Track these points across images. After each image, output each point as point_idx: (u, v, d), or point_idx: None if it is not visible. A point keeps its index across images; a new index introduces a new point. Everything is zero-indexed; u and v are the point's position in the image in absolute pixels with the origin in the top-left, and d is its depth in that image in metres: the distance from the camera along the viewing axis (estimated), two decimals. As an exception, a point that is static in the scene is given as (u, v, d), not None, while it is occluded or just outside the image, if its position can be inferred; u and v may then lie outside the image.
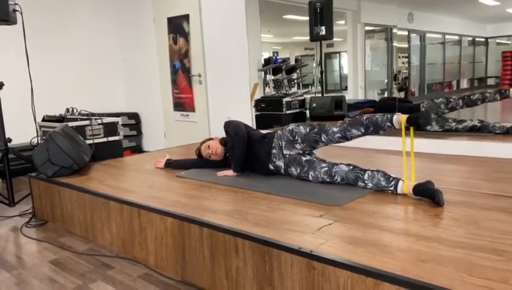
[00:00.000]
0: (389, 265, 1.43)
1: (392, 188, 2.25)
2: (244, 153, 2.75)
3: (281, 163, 2.65)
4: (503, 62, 5.95)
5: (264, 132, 2.91)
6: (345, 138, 2.42)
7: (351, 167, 2.39)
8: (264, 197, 2.34)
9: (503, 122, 3.51)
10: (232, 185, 2.61)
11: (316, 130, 2.49)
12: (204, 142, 3.09)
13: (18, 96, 3.92)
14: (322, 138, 2.48)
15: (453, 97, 3.76)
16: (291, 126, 2.62)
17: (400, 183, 2.22)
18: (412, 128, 2.19)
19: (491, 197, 2.12)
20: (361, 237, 1.70)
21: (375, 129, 2.32)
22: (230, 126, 2.85)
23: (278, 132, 2.68)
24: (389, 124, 2.27)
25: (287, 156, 2.61)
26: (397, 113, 2.26)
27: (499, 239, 1.60)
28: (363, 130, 2.35)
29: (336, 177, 2.41)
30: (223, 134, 2.98)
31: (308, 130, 2.52)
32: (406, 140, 2.18)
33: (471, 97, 3.65)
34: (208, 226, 1.97)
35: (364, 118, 2.34)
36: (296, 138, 2.56)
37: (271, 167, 2.70)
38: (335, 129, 2.43)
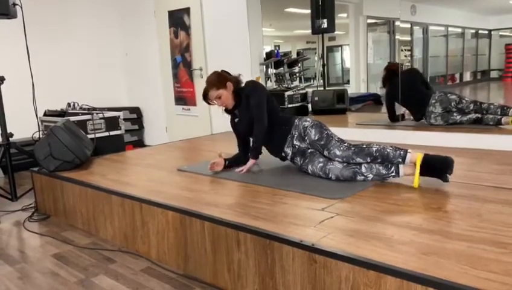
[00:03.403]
0: (391, 258, 1.42)
1: (393, 174, 2.26)
2: (262, 143, 2.70)
3: (289, 150, 2.63)
4: (507, 54, 5.90)
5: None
6: (346, 163, 2.37)
7: (345, 164, 2.36)
8: (266, 191, 2.33)
9: (497, 115, 3.51)
10: (234, 179, 2.60)
11: (322, 142, 2.46)
12: (213, 86, 2.67)
13: (19, 90, 3.92)
14: (324, 153, 2.46)
15: (466, 99, 3.73)
16: (307, 123, 2.57)
17: (401, 166, 2.24)
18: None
19: (494, 190, 2.11)
20: (363, 230, 1.69)
21: (382, 162, 2.28)
22: (254, 99, 2.64)
23: (296, 122, 2.63)
24: (400, 160, 2.24)
25: (296, 146, 2.60)
26: (410, 151, 2.23)
27: (503, 232, 1.58)
28: (369, 160, 2.30)
29: (330, 175, 2.39)
30: (224, 130, 2.95)
31: (316, 137, 2.49)
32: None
33: (482, 105, 3.61)
34: (210, 219, 1.96)
35: (375, 149, 2.28)
36: (306, 138, 2.55)
37: (283, 153, 2.68)
38: (338, 153, 2.37)
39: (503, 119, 3.39)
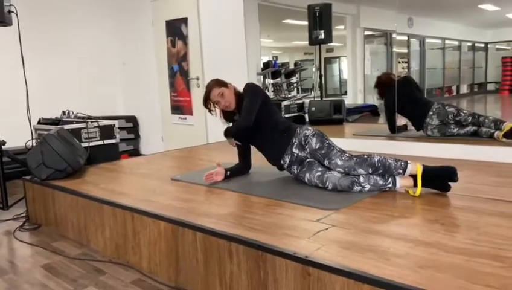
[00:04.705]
0: (386, 271, 1.38)
1: (390, 185, 2.25)
2: (238, 131, 2.66)
3: (287, 159, 2.60)
4: (503, 67, 5.92)
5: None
6: (346, 174, 2.33)
7: (343, 174, 2.33)
8: (260, 201, 2.29)
9: (491, 129, 3.49)
10: (228, 189, 2.57)
11: (322, 151, 2.42)
12: (216, 85, 2.68)
13: (13, 98, 3.89)
14: (325, 162, 2.42)
15: (464, 111, 3.70)
16: (308, 132, 2.54)
17: (398, 177, 2.25)
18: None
19: (492, 202, 2.08)
20: (359, 242, 1.65)
21: (383, 173, 2.27)
22: (247, 98, 2.62)
23: (297, 130, 2.59)
24: (400, 171, 2.23)
25: (295, 154, 2.56)
26: (410, 162, 2.24)
27: (501, 245, 1.55)
28: (370, 171, 2.28)
29: (327, 184, 2.35)
30: (220, 139, 2.91)
31: (317, 146, 2.45)
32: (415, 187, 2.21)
33: (480, 119, 3.59)
34: (202, 230, 1.92)
35: (376, 159, 2.27)
36: (306, 147, 2.52)
37: (281, 161, 2.63)
38: (339, 162, 2.34)
39: (496, 134, 3.39)
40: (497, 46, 6.12)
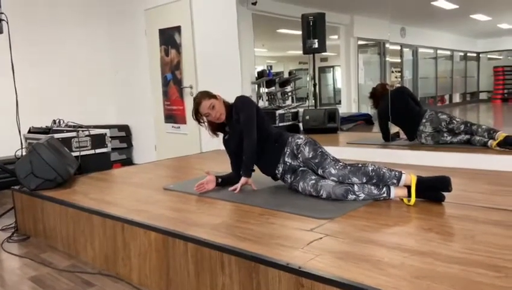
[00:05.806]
0: (381, 282, 1.35)
1: (384, 195, 2.23)
2: (254, 160, 2.61)
3: (280, 168, 2.57)
4: (495, 77, 5.98)
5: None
6: (341, 182, 2.31)
7: (337, 182, 2.30)
8: (253, 211, 2.26)
9: (484, 138, 3.49)
10: (221, 198, 2.53)
11: (316, 160, 2.40)
12: (205, 96, 2.63)
13: (3, 107, 3.83)
14: (318, 171, 2.40)
15: (457, 119, 3.69)
16: (300, 141, 2.51)
17: (392, 187, 2.23)
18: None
19: (487, 210, 2.06)
20: (353, 252, 1.62)
21: (377, 182, 2.25)
22: (244, 113, 2.58)
23: (289, 139, 2.57)
24: (394, 181, 2.22)
25: (288, 163, 2.54)
26: (404, 172, 2.22)
27: (497, 254, 1.53)
28: (364, 181, 2.26)
29: (321, 192, 2.32)
30: (213, 148, 2.88)
31: (310, 155, 2.43)
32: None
33: (473, 127, 3.57)
34: (193, 241, 1.88)
35: (370, 168, 2.25)
36: (299, 156, 2.49)
37: (276, 171, 2.60)
38: (333, 171, 2.32)
39: (489, 143, 3.39)
40: (488, 56, 6.18)
